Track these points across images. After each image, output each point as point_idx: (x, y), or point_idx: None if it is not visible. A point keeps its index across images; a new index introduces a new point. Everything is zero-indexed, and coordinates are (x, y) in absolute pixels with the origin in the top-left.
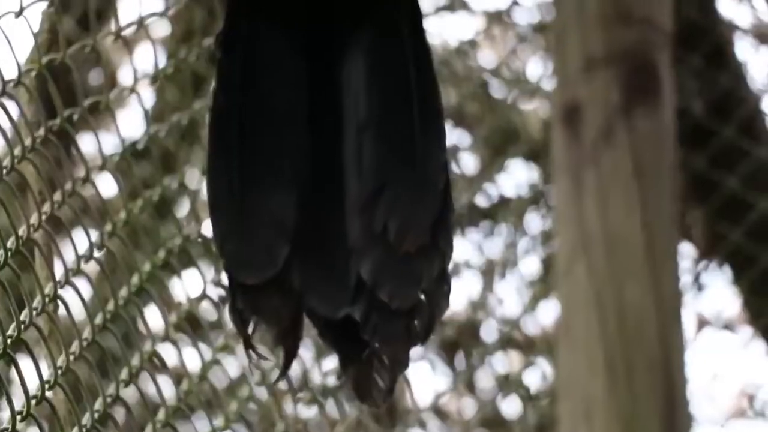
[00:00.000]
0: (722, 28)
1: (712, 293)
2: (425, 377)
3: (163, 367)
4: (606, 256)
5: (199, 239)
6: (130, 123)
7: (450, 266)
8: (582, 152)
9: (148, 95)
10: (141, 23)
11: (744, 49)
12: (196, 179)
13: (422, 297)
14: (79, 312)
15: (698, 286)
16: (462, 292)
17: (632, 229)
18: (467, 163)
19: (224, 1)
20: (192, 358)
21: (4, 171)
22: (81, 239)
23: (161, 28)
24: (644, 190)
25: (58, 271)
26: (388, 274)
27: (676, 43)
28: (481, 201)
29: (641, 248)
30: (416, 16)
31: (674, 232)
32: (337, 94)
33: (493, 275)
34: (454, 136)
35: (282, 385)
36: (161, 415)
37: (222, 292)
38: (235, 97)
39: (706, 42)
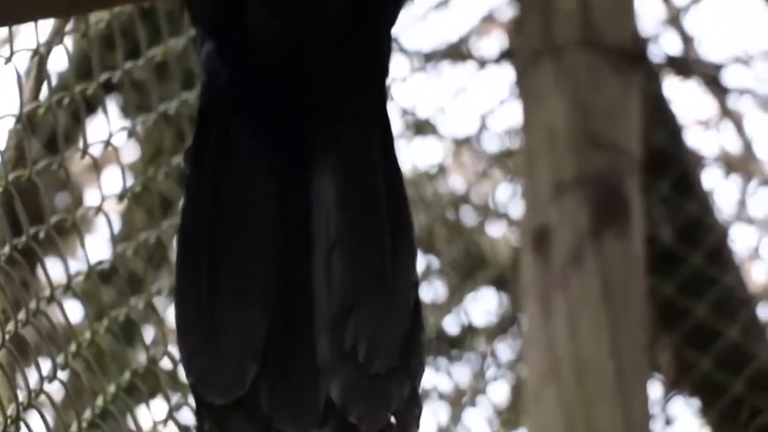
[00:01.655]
0: (690, 156)
1: (680, 426)
2: None
3: None
4: (576, 381)
5: (166, 357)
6: (97, 245)
7: (420, 388)
8: (551, 277)
9: (115, 218)
10: (109, 141)
11: (711, 177)
12: (163, 300)
13: (392, 419)
14: None
15: (666, 419)
16: (430, 420)
17: (602, 355)
18: (436, 288)
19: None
20: None
21: None
22: (45, 361)
23: (130, 152)
24: (614, 316)
25: (21, 393)
26: (358, 396)
27: (645, 169)
28: (449, 327)
29: (611, 374)
30: (387, 135)
31: (644, 358)
32: (307, 210)
33: (461, 403)
34: (423, 260)
35: None
36: None
37: (188, 417)
38: (204, 213)
39: (674, 169)
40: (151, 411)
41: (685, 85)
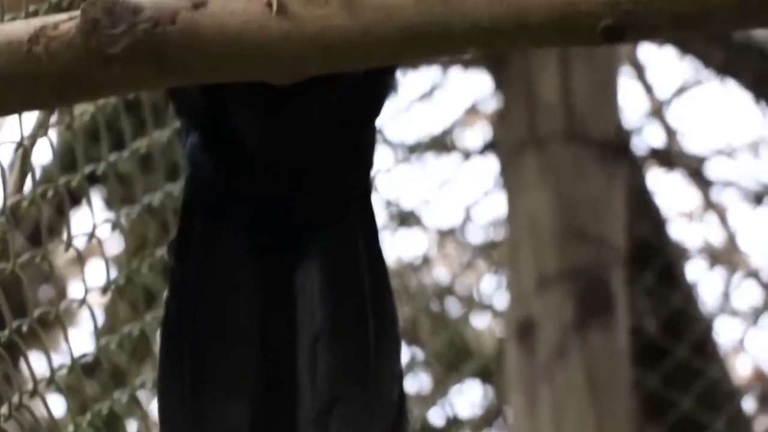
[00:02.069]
0: (674, 248)
1: None
2: None
3: None
4: None
5: None
6: (81, 338)
7: None
8: (536, 369)
9: (99, 311)
10: (93, 234)
11: (695, 269)
12: (147, 393)
13: None
14: None
15: None
16: None
17: None
18: (420, 380)
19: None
20: None
21: None
22: None
23: (114, 244)
24: (599, 408)
25: None
26: None
27: (629, 261)
28: (434, 419)
29: None
30: (372, 227)
31: None
32: (291, 300)
33: None
34: (407, 352)
35: None
36: None
37: None
38: (188, 305)
39: (659, 261)
40: None
41: (668, 178)
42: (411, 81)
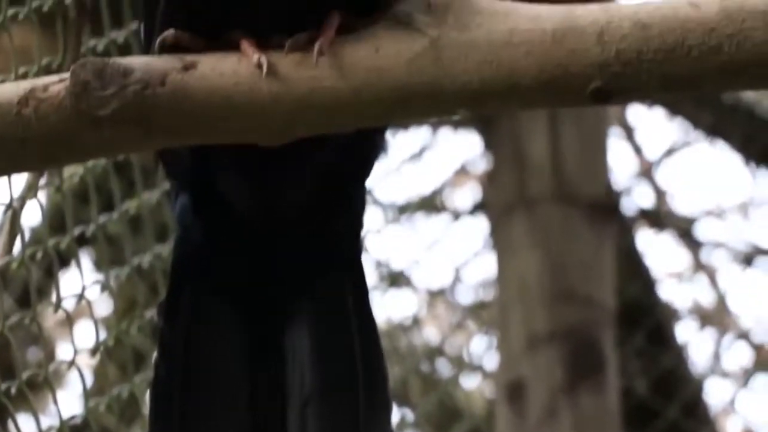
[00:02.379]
0: (664, 309)
1: None
2: None
3: None
4: None
5: None
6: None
7: None
8: (526, 431)
9: (87, 373)
10: (82, 295)
11: (686, 330)
12: None
13: None
14: None
15: None
16: None
17: None
18: None
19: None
20: None
21: None
22: None
23: (103, 305)
24: None
25: None
26: None
27: (619, 322)
28: None
29: None
30: (362, 288)
31: None
32: (281, 362)
33: None
34: (397, 413)
35: None
36: None
37: None
38: (177, 367)
39: (649, 322)
40: None
41: (658, 238)
42: (401, 141)
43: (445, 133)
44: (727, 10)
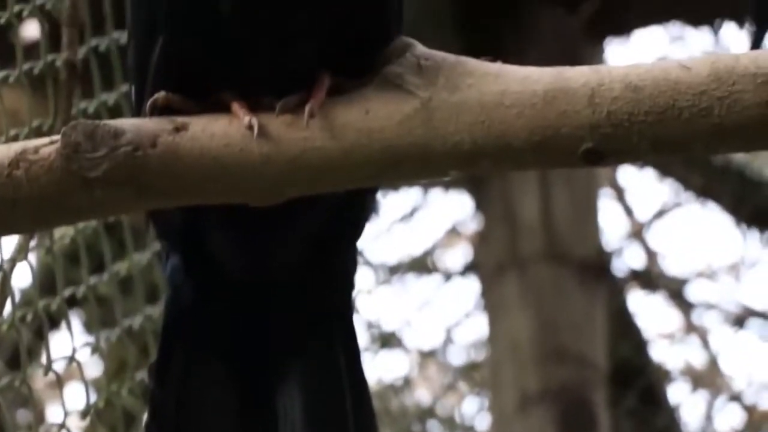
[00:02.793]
0: (656, 370)
1: None
2: None
3: None
4: None
5: None
6: None
7: None
8: None
9: None
10: (72, 357)
11: (678, 391)
12: None
13: None
14: None
15: None
16: None
17: None
18: None
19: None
20: None
21: None
22: None
23: (93, 367)
24: None
25: None
26: None
27: (611, 382)
28: None
29: None
30: (353, 349)
31: None
32: (273, 423)
33: None
34: None
35: None
36: None
37: None
38: (168, 429)
39: (640, 382)
40: None
41: (649, 299)
42: (392, 202)
43: (436, 193)
44: (717, 72)
